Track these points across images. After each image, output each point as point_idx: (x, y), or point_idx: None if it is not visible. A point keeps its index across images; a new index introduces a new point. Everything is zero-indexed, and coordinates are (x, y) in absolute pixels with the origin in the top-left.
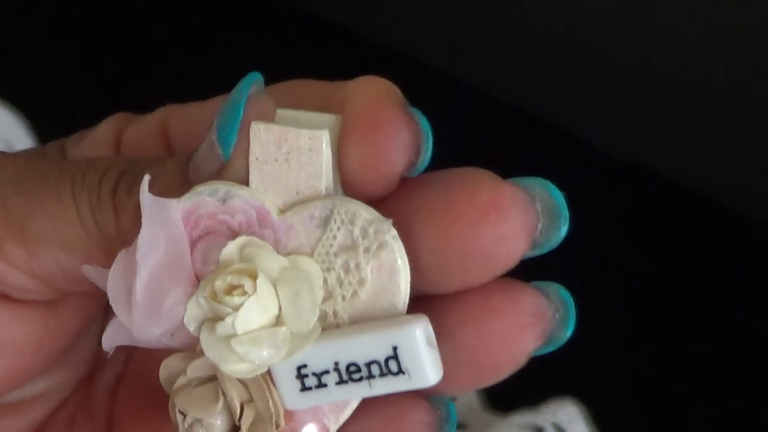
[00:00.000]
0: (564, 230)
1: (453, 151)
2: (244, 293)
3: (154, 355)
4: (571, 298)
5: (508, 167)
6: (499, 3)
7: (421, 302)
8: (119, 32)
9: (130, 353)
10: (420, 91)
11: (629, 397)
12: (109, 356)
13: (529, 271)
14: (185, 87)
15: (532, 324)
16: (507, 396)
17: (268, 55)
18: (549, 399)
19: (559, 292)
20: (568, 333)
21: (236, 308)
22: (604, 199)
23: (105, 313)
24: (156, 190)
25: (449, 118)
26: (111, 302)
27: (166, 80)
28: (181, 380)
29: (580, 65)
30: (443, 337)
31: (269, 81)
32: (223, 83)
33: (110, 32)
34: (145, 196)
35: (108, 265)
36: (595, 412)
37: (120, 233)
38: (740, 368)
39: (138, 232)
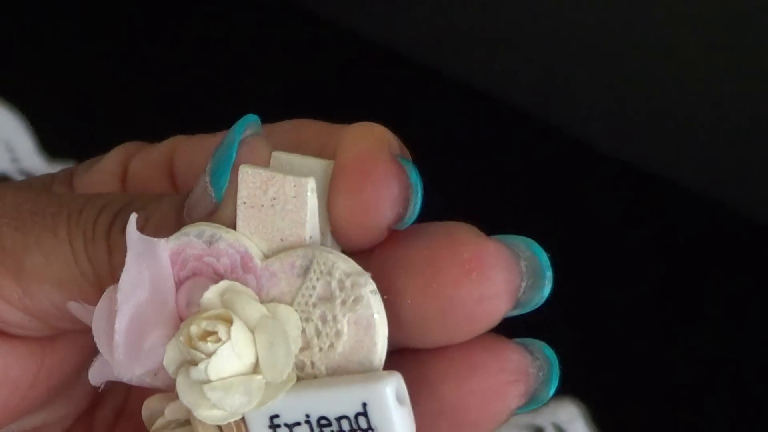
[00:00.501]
0: (547, 290)
1: (453, 151)
2: (218, 340)
3: (153, 392)
4: (555, 356)
5: (509, 167)
6: (499, 3)
7: (403, 354)
8: (119, 32)
9: (129, 389)
10: (420, 91)
11: (629, 397)
12: (100, 390)
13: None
14: (185, 87)
15: (515, 382)
16: None
17: (268, 55)
18: (549, 399)
19: (543, 350)
20: (552, 392)
21: (209, 354)
22: (604, 199)
23: None
24: (150, 229)
25: (449, 118)
26: (95, 339)
27: (165, 80)
28: (160, 421)
29: (580, 65)
30: (424, 392)
31: (270, 82)
32: (224, 83)
33: (110, 32)
34: (132, 234)
35: None
36: (595, 412)
37: (113, 272)
38: (740, 368)
39: None
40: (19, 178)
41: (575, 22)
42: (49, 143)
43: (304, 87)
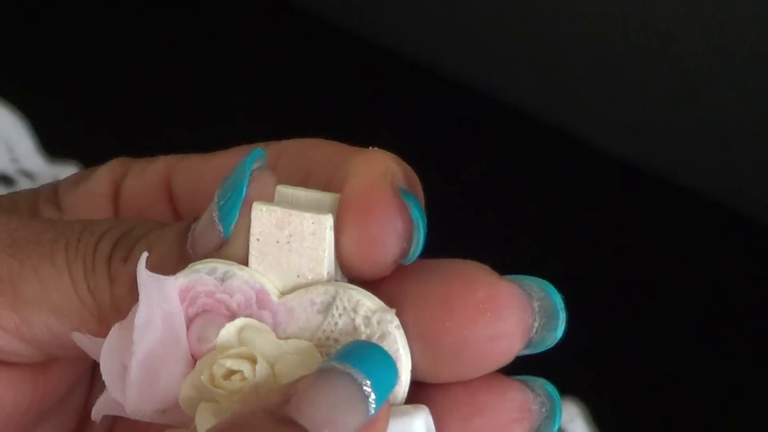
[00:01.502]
0: (560, 331)
1: (453, 151)
2: (243, 378)
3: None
4: (557, 392)
5: (509, 167)
6: (499, 3)
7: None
8: (119, 32)
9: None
10: (420, 91)
11: (629, 397)
12: (96, 424)
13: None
14: (184, 87)
15: (519, 420)
16: None
17: (267, 55)
18: None
19: (545, 387)
20: (555, 428)
21: (234, 392)
22: (604, 199)
23: (93, 368)
24: (152, 260)
25: (449, 118)
26: (104, 377)
27: (165, 80)
28: None
29: (580, 65)
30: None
31: (270, 82)
32: (224, 83)
33: (110, 32)
34: (143, 273)
35: (100, 333)
36: (595, 412)
37: (114, 302)
38: (740, 368)
39: (132, 302)
40: (19, 178)
41: (575, 22)
42: (49, 143)
43: (304, 87)
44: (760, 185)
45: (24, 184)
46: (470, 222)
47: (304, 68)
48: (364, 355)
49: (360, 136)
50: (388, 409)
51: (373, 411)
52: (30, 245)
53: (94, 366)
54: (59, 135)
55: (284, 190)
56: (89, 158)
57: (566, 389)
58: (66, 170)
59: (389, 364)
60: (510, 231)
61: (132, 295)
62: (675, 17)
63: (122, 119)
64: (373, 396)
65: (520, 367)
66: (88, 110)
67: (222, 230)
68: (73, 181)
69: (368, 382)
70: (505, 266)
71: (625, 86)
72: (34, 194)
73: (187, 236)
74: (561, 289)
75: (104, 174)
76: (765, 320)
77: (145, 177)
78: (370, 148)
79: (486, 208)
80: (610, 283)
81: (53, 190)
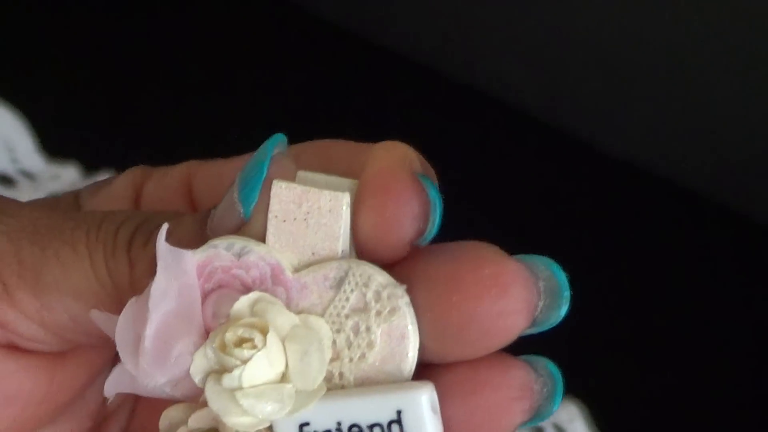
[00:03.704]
0: (564, 310)
1: (453, 151)
2: (254, 347)
3: (157, 412)
4: (559, 372)
5: (509, 167)
6: (499, 3)
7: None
8: (119, 32)
9: (133, 409)
10: (420, 91)
11: (629, 397)
12: (109, 403)
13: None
14: (185, 88)
15: (520, 398)
16: None
17: (267, 55)
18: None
19: (547, 366)
20: (555, 407)
21: (245, 361)
22: (604, 199)
23: (111, 367)
24: (172, 243)
25: (449, 119)
26: (118, 347)
27: (165, 80)
28: (181, 430)
29: (580, 65)
30: None
31: (270, 82)
32: (223, 84)
33: (110, 32)
34: (161, 245)
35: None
36: (595, 412)
37: (133, 285)
38: (740, 368)
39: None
40: (19, 178)
41: (576, 22)
42: (49, 143)
43: (305, 87)
44: (760, 185)
45: (24, 184)
46: (469, 222)
47: (304, 69)
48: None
49: (363, 137)
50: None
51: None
52: (52, 233)
53: (113, 363)
54: (59, 135)
55: (304, 175)
56: (89, 158)
57: (566, 389)
58: (66, 170)
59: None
60: (510, 231)
61: (151, 278)
62: (675, 17)
63: (122, 119)
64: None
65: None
66: (88, 110)
67: (242, 210)
68: (94, 189)
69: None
70: None
71: (625, 86)
72: (56, 202)
73: (207, 221)
74: None
75: (125, 180)
76: (765, 320)
77: (165, 181)
78: (386, 141)
79: (485, 208)
80: (610, 282)
81: (74, 197)
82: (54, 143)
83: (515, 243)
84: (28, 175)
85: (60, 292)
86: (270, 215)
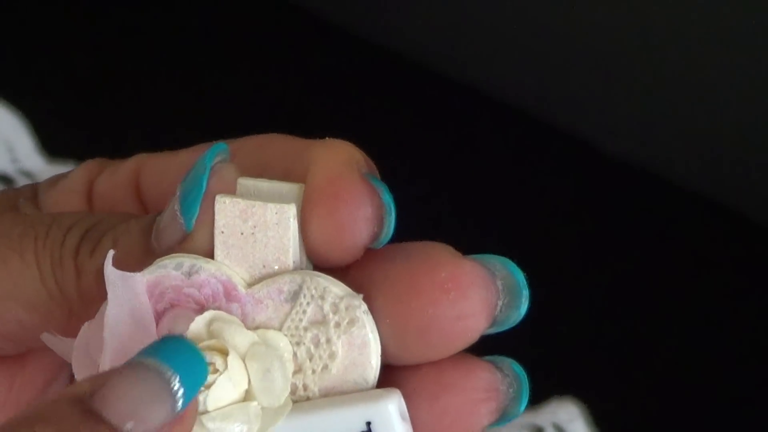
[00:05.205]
0: (524, 308)
1: (453, 151)
2: (216, 371)
3: None
4: (524, 372)
5: (509, 167)
6: (499, 3)
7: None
8: (119, 32)
9: None
10: (419, 91)
11: (629, 397)
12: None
13: (533, 275)
14: (185, 88)
15: (486, 399)
16: None
17: (267, 55)
18: (549, 399)
19: (512, 367)
20: (522, 408)
21: (208, 386)
22: (604, 199)
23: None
24: (119, 253)
25: (449, 118)
26: (75, 373)
27: (165, 80)
28: None
29: (580, 65)
30: None
31: (268, 82)
32: (223, 84)
33: (110, 32)
34: (110, 271)
35: (69, 326)
36: (595, 412)
37: (81, 295)
38: (740, 368)
39: (99, 295)
40: (20, 178)
41: (576, 22)
42: (49, 143)
43: (304, 87)
44: (760, 185)
45: (24, 184)
46: (468, 222)
47: (304, 69)
48: (173, 350)
49: (362, 136)
50: (196, 405)
51: (180, 407)
52: (0, 240)
53: None
54: (59, 135)
55: (246, 182)
56: (89, 158)
57: (566, 389)
58: (66, 170)
59: (198, 359)
60: (509, 231)
61: (99, 288)
62: (675, 17)
63: (122, 119)
64: (181, 392)
65: (523, 362)
66: (88, 110)
67: (184, 224)
68: (52, 181)
69: (177, 377)
70: None
71: (625, 86)
72: (15, 193)
73: (152, 229)
74: (561, 288)
75: (80, 173)
76: (764, 320)
77: (116, 175)
78: (327, 138)
79: (485, 208)
80: (610, 282)
81: (33, 190)
82: (54, 143)
83: (515, 243)
84: (28, 175)
85: (9, 301)
86: (216, 231)
